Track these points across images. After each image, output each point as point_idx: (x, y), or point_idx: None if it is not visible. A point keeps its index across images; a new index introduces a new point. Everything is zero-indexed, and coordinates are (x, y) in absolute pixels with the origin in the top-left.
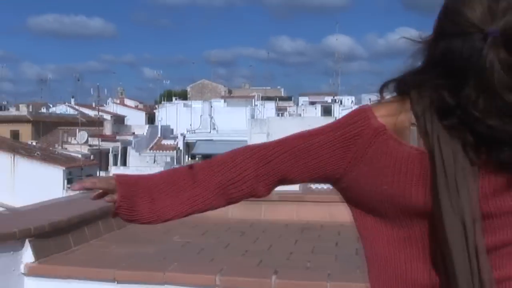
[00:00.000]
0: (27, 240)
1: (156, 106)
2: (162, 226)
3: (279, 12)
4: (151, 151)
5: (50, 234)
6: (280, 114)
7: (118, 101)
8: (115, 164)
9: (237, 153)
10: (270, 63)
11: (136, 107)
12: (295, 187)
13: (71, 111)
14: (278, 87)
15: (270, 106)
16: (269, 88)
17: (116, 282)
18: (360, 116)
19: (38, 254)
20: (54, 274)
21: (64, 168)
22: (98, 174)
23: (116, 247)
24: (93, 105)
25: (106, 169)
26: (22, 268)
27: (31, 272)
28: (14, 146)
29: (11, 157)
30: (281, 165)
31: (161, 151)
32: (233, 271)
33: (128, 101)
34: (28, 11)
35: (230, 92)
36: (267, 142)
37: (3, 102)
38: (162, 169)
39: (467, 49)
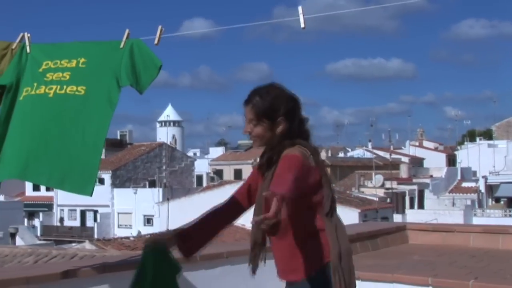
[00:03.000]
0: None
1: (458, 147)
2: (409, 249)
3: None
4: (450, 193)
5: None
6: None
7: (417, 143)
8: (412, 207)
9: None
10: None
11: (436, 149)
12: None
13: (368, 155)
14: None
15: None
16: None
17: (360, 279)
18: None
19: None
20: None
21: (359, 211)
22: (393, 217)
23: (366, 260)
24: (391, 148)
25: (402, 211)
26: None
27: None
28: None
29: None
30: None
31: (460, 194)
32: (443, 275)
33: (427, 143)
34: (327, 59)
35: None
36: None
37: None
38: (462, 212)
39: None
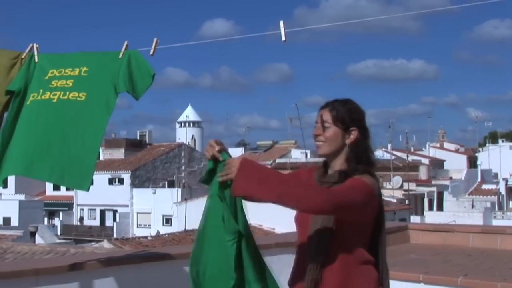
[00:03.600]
0: None
1: (479, 149)
2: (408, 248)
3: None
4: (470, 196)
5: None
6: None
7: (437, 145)
8: (430, 209)
9: None
10: None
11: (457, 151)
12: None
13: (387, 156)
14: None
15: None
16: None
17: None
18: None
19: None
20: None
21: None
22: (409, 219)
23: None
24: (412, 149)
25: (421, 213)
26: None
27: None
28: None
29: None
30: None
31: (480, 196)
32: (435, 273)
33: (448, 145)
34: (348, 59)
35: None
36: None
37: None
38: (481, 215)
39: None
